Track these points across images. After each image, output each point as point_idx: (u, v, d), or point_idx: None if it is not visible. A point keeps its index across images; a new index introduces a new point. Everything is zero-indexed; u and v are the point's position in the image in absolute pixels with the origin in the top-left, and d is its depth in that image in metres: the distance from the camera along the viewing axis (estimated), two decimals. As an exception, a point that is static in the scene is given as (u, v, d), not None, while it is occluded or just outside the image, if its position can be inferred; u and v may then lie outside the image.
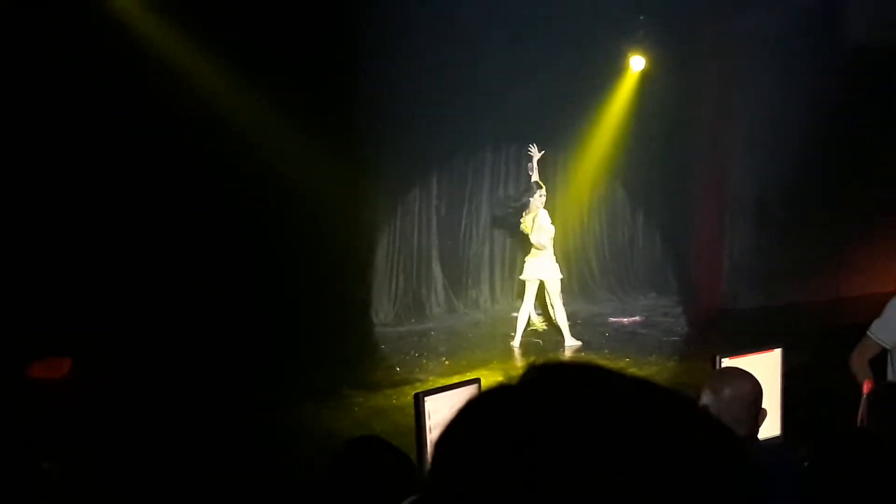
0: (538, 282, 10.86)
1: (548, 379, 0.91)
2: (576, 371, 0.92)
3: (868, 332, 5.31)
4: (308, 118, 10.34)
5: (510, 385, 0.92)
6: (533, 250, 10.82)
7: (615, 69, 12.82)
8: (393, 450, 3.24)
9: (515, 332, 11.02)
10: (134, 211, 9.93)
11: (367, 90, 11.06)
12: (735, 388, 3.59)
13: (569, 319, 11.01)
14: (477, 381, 4.28)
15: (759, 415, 3.65)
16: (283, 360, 9.73)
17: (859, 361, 5.27)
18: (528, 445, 0.82)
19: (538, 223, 10.73)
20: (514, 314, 12.56)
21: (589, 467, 0.80)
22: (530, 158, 11.07)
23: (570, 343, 10.90)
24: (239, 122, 10.13)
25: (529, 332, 11.29)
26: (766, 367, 4.57)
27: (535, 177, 10.95)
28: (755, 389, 3.67)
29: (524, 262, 11.04)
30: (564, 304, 10.96)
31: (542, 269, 10.78)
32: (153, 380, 8.87)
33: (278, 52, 10.27)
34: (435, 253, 12.84)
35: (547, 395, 0.87)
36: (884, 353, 5.33)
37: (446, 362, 10.41)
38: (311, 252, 10.80)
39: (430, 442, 3.89)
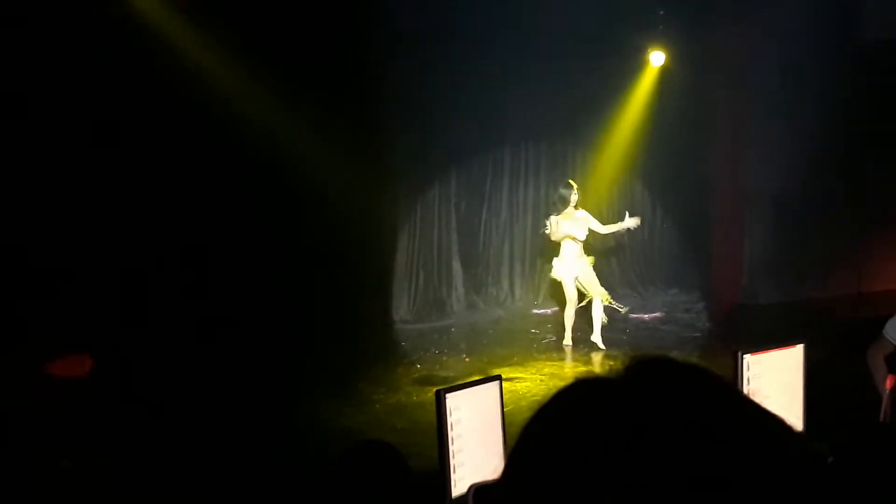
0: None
1: (651, 382, 0.87)
2: (681, 375, 0.88)
3: (882, 332, 5.37)
4: (329, 119, 10.40)
5: (610, 379, 0.88)
6: (570, 249, 10.67)
7: (635, 65, 12.80)
8: (391, 454, 3.25)
9: (592, 329, 10.93)
10: (158, 209, 9.98)
11: (387, 90, 11.08)
12: None
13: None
14: (498, 377, 4.27)
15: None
16: (303, 357, 9.77)
17: (874, 359, 5.34)
18: (624, 452, 0.79)
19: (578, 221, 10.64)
20: (535, 310, 12.58)
21: (685, 482, 0.77)
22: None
23: (597, 339, 10.91)
24: (262, 122, 10.18)
25: (549, 328, 11.30)
26: (788, 362, 4.55)
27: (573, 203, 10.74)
28: None
29: (565, 263, 10.83)
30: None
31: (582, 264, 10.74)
32: (174, 377, 8.91)
33: (298, 54, 10.30)
34: (455, 250, 12.84)
35: (647, 401, 0.83)
36: None
37: (467, 359, 10.42)
38: (332, 250, 10.84)
39: (452, 438, 3.90)
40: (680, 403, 0.83)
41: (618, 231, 10.99)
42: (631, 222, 10.83)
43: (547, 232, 10.73)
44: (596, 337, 10.74)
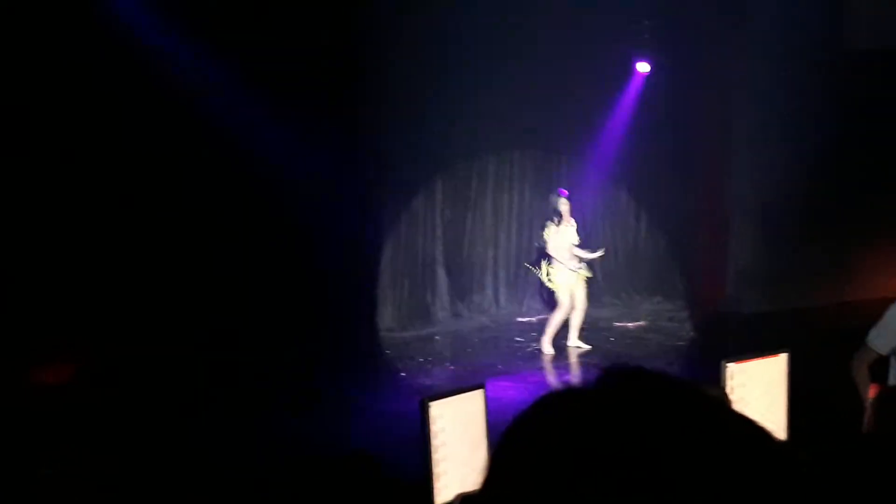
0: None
1: (623, 392, 0.87)
2: (653, 384, 0.88)
3: (866, 341, 5.32)
4: (313, 125, 10.35)
5: (586, 391, 0.88)
6: (563, 257, 10.76)
7: (620, 73, 12.83)
8: (373, 464, 3.25)
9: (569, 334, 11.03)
10: (138, 218, 9.94)
11: (372, 96, 11.08)
12: None
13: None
14: (482, 386, 4.27)
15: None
16: (288, 367, 9.72)
17: (859, 370, 5.27)
18: (598, 462, 0.79)
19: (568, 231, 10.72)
20: (520, 318, 12.56)
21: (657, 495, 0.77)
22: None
23: (575, 343, 10.94)
24: (243, 130, 10.15)
25: (534, 336, 11.31)
26: (772, 371, 4.56)
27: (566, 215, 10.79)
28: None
29: (559, 269, 10.92)
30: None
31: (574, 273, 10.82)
32: (156, 386, 8.87)
33: (282, 60, 10.26)
34: (439, 257, 12.83)
35: (619, 410, 0.83)
36: (885, 357, 5.33)
37: (451, 368, 10.41)
38: (316, 258, 10.81)
39: (436, 447, 3.89)
40: (652, 412, 0.83)
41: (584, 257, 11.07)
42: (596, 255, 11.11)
43: (543, 242, 10.81)
44: (574, 341, 10.85)
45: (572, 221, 10.79)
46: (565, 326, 10.97)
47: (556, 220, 10.71)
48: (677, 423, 0.82)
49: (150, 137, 9.83)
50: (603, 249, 11.28)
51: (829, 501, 0.88)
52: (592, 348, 10.92)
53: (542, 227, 11.01)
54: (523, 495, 0.82)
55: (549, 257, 10.88)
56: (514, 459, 0.86)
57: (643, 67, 12.68)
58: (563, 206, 10.66)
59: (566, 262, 10.72)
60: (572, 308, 10.85)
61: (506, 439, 0.89)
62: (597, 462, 0.79)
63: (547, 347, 10.87)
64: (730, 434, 0.84)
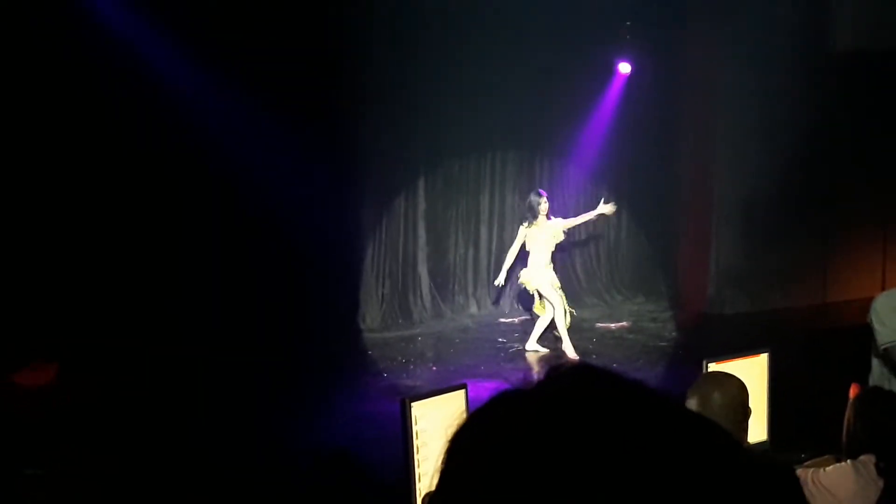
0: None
1: (569, 392, 0.86)
2: (602, 383, 0.87)
3: (887, 346, 4.65)
4: (293, 124, 10.35)
5: (528, 391, 0.88)
6: (538, 258, 10.70)
7: (602, 74, 12.85)
8: (355, 464, 3.26)
9: (530, 336, 10.92)
10: (121, 218, 9.92)
11: (353, 96, 11.11)
12: (723, 393, 3.57)
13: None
14: (464, 386, 4.27)
15: (746, 418, 3.64)
16: (269, 367, 9.70)
17: None
18: (545, 465, 0.79)
19: (545, 230, 10.63)
20: (503, 319, 12.53)
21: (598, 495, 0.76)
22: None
23: (532, 347, 10.88)
24: (224, 130, 10.13)
25: (516, 337, 11.31)
26: (752, 371, 4.57)
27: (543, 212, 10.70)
28: (742, 393, 3.65)
29: (533, 272, 10.78)
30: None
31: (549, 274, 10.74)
32: (139, 386, 8.84)
33: (263, 62, 10.25)
34: (422, 258, 12.82)
35: (565, 410, 0.83)
36: (867, 353, 5.20)
37: (433, 368, 10.39)
38: (297, 257, 10.81)
39: (417, 447, 3.88)
40: (595, 410, 0.82)
41: (590, 220, 11.10)
42: (606, 208, 11.05)
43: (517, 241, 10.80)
44: (567, 346, 10.74)
45: (551, 220, 10.71)
46: (553, 328, 10.85)
47: (529, 220, 10.62)
48: (619, 420, 0.81)
49: (125, 140, 9.82)
50: (613, 205, 11.22)
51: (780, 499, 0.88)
52: (575, 348, 10.90)
53: (521, 224, 10.94)
54: (469, 495, 0.82)
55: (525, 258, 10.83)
56: (462, 460, 0.87)
57: (625, 68, 12.70)
58: (543, 205, 10.59)
59: (539, 262, 10.62)
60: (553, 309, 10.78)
61: (456, 439, 0.89)
62: (538, 462, 0.79)
63: (533, 345, 10.80)
64: (676, 432, 0.83)
